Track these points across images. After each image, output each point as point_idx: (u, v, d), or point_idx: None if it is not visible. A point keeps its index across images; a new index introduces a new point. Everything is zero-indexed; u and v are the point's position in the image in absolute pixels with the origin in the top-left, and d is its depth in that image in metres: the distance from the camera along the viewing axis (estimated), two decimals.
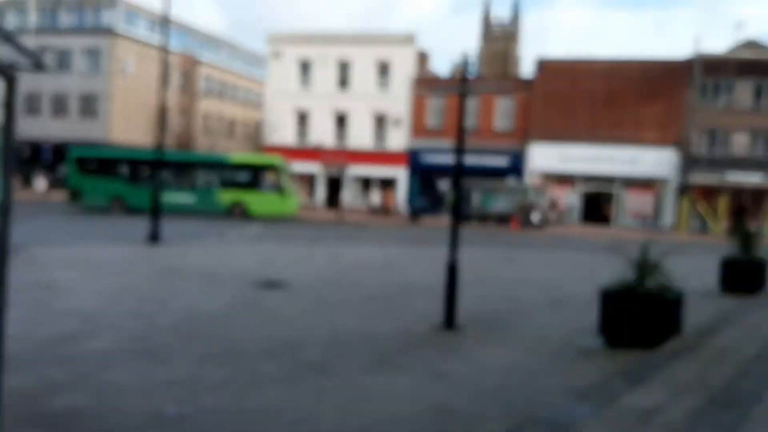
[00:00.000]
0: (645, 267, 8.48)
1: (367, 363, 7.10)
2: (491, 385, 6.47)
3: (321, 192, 44.64)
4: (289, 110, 44.91)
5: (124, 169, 34.57)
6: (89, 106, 48.91)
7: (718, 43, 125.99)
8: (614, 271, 8.61)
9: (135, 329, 8.29)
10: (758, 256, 13.55)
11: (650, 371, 6.48)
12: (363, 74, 44.04)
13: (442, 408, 5.71)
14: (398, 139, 43.52)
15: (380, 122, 44.20)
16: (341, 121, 44.69)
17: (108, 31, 48.59)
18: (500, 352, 7.84)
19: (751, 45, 41.62)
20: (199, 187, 33.83)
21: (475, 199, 37.53)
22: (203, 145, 53.80)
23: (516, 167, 41.50)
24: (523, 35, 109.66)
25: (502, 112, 42.37)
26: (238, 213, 32.75)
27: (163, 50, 20.30)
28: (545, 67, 41.68)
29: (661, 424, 4.95)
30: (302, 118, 45.22)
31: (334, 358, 7.24)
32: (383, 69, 44.02)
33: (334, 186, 43.82)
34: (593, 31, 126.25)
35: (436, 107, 43.01)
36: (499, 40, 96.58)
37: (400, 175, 43.35)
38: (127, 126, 48.55)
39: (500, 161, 41.34)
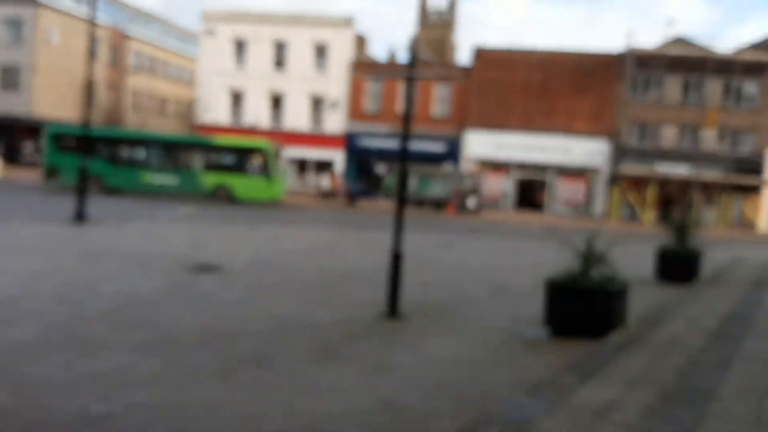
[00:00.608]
0: (590, 258, 8.42)
1: (309, 354, 6.74)
2: (439, 378, 6.22)
3: None
4: (223, 89, 43.70)
5: (103, 148, 32.99)
6: (11, 78, 46.32)
7: (650, 38, 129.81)
8: (552, 258, 8.53)
9: (59, 317, 7.66)
10: (692, 247, 13.82)
11: (600, 364, 6.36)
12: (300, 55, 43.22)
13: (391, 404, 5.42)
14: (335, 122, 42.98)
15: (317, 104, 43.53)
16: (277, 102, 43.80)
17: (31, 1, 46.04)
18: (446, 342, 7.60)
19: (680, 42, 42.81)
20: (183, 169, 32.72)
21: (412, 183, 37.42)
22: (133, 123, 51.88)
23: (452, 153, 41.63)
24: (459, 23, 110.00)
25: (440, 98, 42.39)
26: (223, 196, 31.76)
27: (90, 23, 19.29)
28: (482, 55, 41.84)
29: (618, 422, 4.79)
30: (237, 98, 44.09)
31: (275, 349, 6.84)
32: (321, 51, 43.31)
33: None
34: (528, 21, 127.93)
35: (373, 91, 42.66)
36: (436, 27, 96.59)
37: (337, 157, 42.87)
38: (53, 100, 46.25)
39: (437, 147, 41.37)
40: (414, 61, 9.21)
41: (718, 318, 9.23)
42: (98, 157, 32.74)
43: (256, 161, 32.40)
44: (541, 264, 8.43)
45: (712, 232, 33.73)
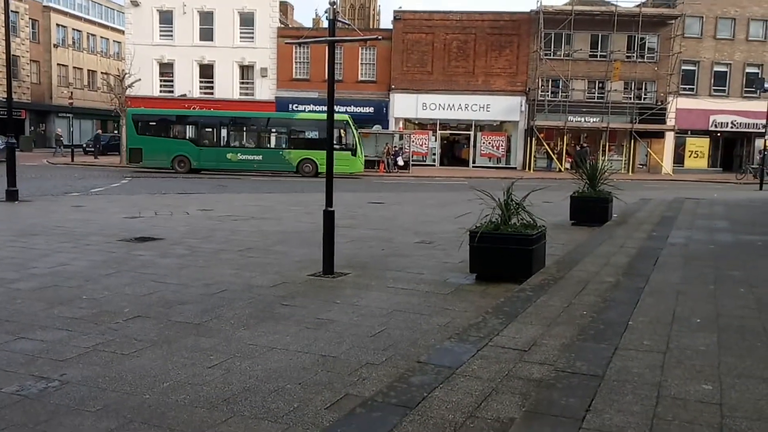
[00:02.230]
0: (509, 207, 8.52)
1: (246, 317, 6.58)
2: (373, 330, 6.18)
3: None
4: (151, 61, 41.99)
5: (187, 129, 32.60)
6: None
7: None
8: (476, 209, 8.59)
9: None
10: (602, 191, 14.21)
11: (522, 306, 6.44)
12: (226, 24, 41.86)
13: (327, 358, 5.35)
14: (265, 90, 42.00)
15: (246, 72, 42.39)
16: (206, 71, 42.42)
17: None
18: (379, 295, 7.57)
19: None
20: (267, 146, 32.18)
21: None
22: (61, 98, 49.37)
23: (381, 115, 41.44)
24: None
25: (365, 62, 41.93)
26: (308, 171, 31.13)
27: None
28: (402, 18, 41.48)
29: (540, 360, 4.85)
30: (165, 69, 42.48)
31: (212, 315, 6.65)
32: (247, 19, 42.02)
33: None
34: None
35: (302, 58, 41.79)
36: None
37: None
38: None
39: (366, 110, 41.07)
40: (334, 26, 8.94)
41: (628, 255, 9.52)
42: (182, 138, 32.39)
43: (337, 135, 31.58)
44: (467, 215, 8.45)
45: (621, 177, 34.87)
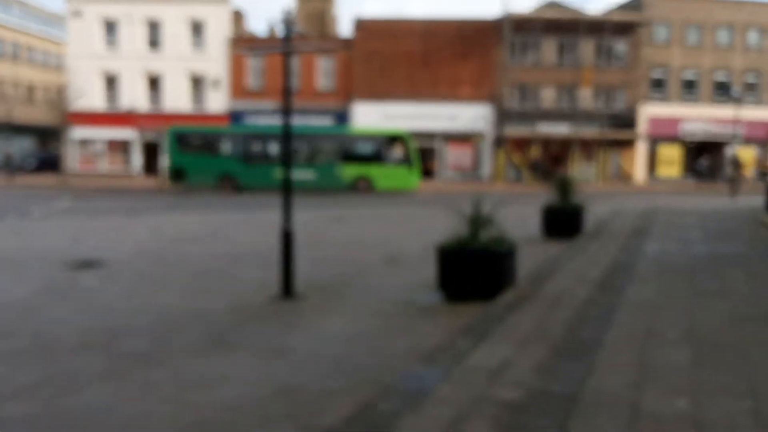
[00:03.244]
0: (478, 221, 8.56)
1: (199, 346, 6.48)
2: (336, 355, 6.14)
3: (137, 159, 41.91)
4: (95, 73, 41.38)
5: (234, 146, 31.88)
6: None
7: (525, 2, 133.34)
8: (443, 224, 8.62)
9: None
10: (574, 203, 14.41)
11: (492, 325, 6.48)
12: (175, 34, 41.51)
13: (286, 388, 5.28)
14: (218, 101, 41.71)
15: (198, 84, 42.07)
16: (154, 83, 41.98)
17: None
18: (342, 318, 7.53)
19: (553, 5, 44.28)
20: (320, 162, 31.43)
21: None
22: None
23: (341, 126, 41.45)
24: None
25: (324, 72, 41.99)
26: (363, 188, 30.55)
27: None
28: (363, 26, 41.70)
29: (512, 381, 4.88)
30: (110, 82, 41.91)
31: (162, 345, 6.53)
32: (197, 28, 41.78)
33: (152, 152, 41.30)
34: None
35: (256, 68, 41.68)
36: (315, 0, 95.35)
37: None
38: None
39: (325, 121, 41.03)
40: (290, 35, 8.95)
41: (602, 269, 9.66)
42: (228, 156, 31.78)
43: (395, 150, 31.49)
44: (433, 230, 8.50)
45: (592, 186, 35.46)
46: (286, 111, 8.80)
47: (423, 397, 4.59)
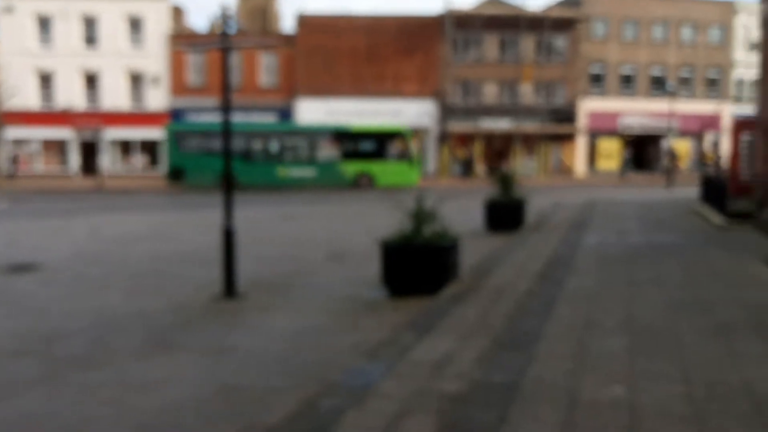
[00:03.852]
0: (421, 216, 8.62)
1: (139, 347, 6.35)
2: (280, 353, 6.10)
3: (74, 159, 40.74)
4: (28, 71, 40.01)
5: (235, 144, 30.30)
6: None
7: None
8: (387, 220, 8.65)
9: None
10: (516, 196, 14.65)
11: (436, 318, 6.54)
12: (112, 30, 40.46)
13: (229, 387, 5.23)
14: (158, 99, 40.86)
15: (136, 81, 41.12)
16: (91, 81, 40.85)
17: None
18: (286, 316, 7.49)
19: (494, 2, 44.82)
20: (321, 160, 31.20)
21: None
22: None
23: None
24: None
25: (267, 68, 41.59)
26: (364, 184, 30.29)
27: None
28: (305, 22, 41.46)
29: (455, 373, 4.94)
30: (45, 80, 40.59)
31: (102, 347, 6.38)
32: (135, 24, 40.81)
33: (90, 151, 40.24)
34: None
35: (196, 64, 40.99)
36: None
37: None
38: None
39: (268, 118, 40.65)
40: (228, 30, 8.83)
41: (542, 261, 9.86)
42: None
43: (395, 146, 31.49)
44: (377, 226, 8.51)
45: (534, 180, 36.10)
46: (226, 107, 8.69)
47: (366, 393, 4.61)
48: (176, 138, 31.68)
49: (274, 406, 4.79)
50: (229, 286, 8.44)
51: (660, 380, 4.70)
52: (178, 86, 40.77)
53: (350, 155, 31.85)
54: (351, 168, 31.51)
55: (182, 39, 41.05)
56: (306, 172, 31.40)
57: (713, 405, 4.24)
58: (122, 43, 40.67)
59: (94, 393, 5.17)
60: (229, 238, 8.49)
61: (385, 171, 31.32)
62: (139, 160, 39.86)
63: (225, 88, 8.71)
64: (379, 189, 29.44)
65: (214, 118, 38.11)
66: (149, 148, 41.34)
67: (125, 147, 41.39)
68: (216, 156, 31.33)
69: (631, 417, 4.05)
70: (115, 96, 40.51)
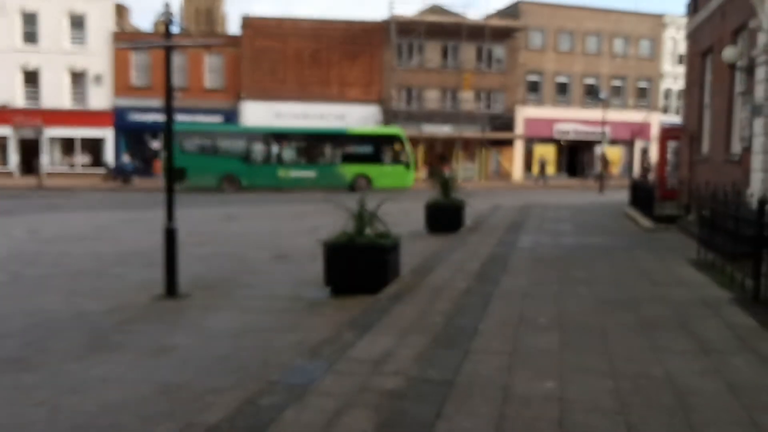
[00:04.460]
0: (363, 217, 8.64)
1: (76, 348, 6.15)
2: (221, 352, 6.01)
3: (14, 157, 39.27)
4: None
5: (237, 146, 31.13)
6: None
7: (410, 6, 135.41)
8: (331, 220, 8.64)
9: None
10: (456, 199, 14.82)
11: (376, 317, 6.55)
12: (54, 27, 39.18)
13: (168, 386, 5.12)
14: (101, 98, 39.76)
15: (78, 79, 39.91)
16: (31, 78, 39.44)
17: None
18: (228, 315, 7.39)
19: (436, 9, 45.23)
20: (320, 162, 31.37)
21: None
22: None
23: (230, 125, 40.60)
24: None
25: (212, 70, 40.96)
26: (362, 186, 29.75)
27: None
28: (250, 24, 41.03)
29: (393, 370, 4.95)
30: None
31: (37, 349, 6.15)
32: (77, 22, 39.61)
33: (30, 150, 38.85)
34: None
35: (141, 64, 40.04)
36: None
37: (107, 135, 39.85)
38: None
39: (214, 119, 40.05)
40: (171, 29, 8.65)
41: (480, 261, 9.99)
42: (231, 156, 31.05)
43: (392, 149, 31.79)
44: (321, 227, 8.48)
45: (474, 184, 36.59)
46: (168, 107, 8.52)
47: (307, 390, 4.58)
48: (177, 139, 31.14)
49: (214, 406, 4.71)
50: (171, 286, 8.27)
51: (588, 374, 4.81)
52: (122, 85, 39.76)
53: (349, 158, 32.28)
54: (349, 170, 31.88)
55: (126, 38, 40.03)
56: (305, 174, 31.65)
57: (637, 398, 4.36)
58: (64, 40, 39.43)
59: (28, 395, 4.99)
60: (170, 237, 8.32)
61: (382, 173, 31.68)
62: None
63: (167, 88, 8.54)
64: (376, 190, 29.57)
65: (158, 118, 37.34)
66: (91, 146, 40.26)
67: (67, 145, 40.16)
68: (219, 157, 31.91)
69: (561, 410, 4.13)
70: (56, 94, 39.24)
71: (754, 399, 4.35)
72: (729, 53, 12.95)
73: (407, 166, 32.10)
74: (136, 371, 5.50)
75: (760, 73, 11.47)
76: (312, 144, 32.76)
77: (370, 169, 31.67)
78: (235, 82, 40.69)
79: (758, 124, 11.40)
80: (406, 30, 40.93)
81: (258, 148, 32.36)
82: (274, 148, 32.33)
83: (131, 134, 40.04)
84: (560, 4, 45.13)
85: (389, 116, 41.21)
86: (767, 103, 11.13)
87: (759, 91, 11.46)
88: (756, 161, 11.42)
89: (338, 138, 33.15)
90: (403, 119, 40.98)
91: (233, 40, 41.09)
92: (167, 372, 5.47)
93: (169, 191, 8.51)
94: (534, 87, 44.73)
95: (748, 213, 7.71)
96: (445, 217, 14.48)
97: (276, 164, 31.73)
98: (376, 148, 32.65)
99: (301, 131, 34.03)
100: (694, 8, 17.90)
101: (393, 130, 34.30)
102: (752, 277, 7.26)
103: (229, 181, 30.91)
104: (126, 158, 37.52)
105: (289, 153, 32.51)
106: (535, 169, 43.16)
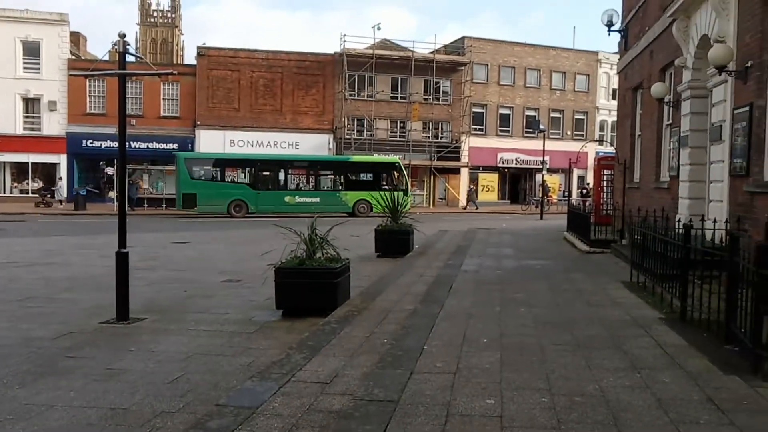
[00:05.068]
0: (313, 241, 8.61)
1: (23, 374, 5.91)
2: (171, 376, 5.85)
3: None
4: None
5: (243, 173, 31.63)
6: None
7: (362, 41, 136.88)
8: (285, 245, 8.57)
9: None
10: (404, 224, 14.91)
11: (325, 339, 6.50)
12: (6, 54, 38.20)
13: (116, 411, 4.95)
14: (54, 124, 38.79)
15: (32, 106, 38.89)
16: None
17: None
18: (180, 339, 7.21)
19: (386, 44, 45.80)
20: (323, 188, 32.31)
21: (147, 183, 36.33)
22: None
23: (186, 152, 40.11)
24: (185, 25, 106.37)
25: (168, 98, 40.50)
26: (363, 211, 31.04)
27: None
28: (206, 54, 40.83)
29: (341, 391, 4.91)
30: None
31: None
32: (31, 49, 38.71)
33: None
34: (256, 27, 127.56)
35: (96, 91, 39.30)
36: (159, 27, 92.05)
37: (61, 161, 38.85)
38: None
39: (169, 146, 39.53)
40: (123, 58, 8.53)
41: (427, 284, 10.04)
42: (238, 182, 31.52)
43: (390, 176, 33.00)
44: (275, 251, 8.38)
45: (422, 210, 36.85)
46: (121, 133, 8.37)
47: (255, 412, 4.49)
48: (187, 166, 31.25)
49: (163, 429, 4.58)
50: (123, 311, 8.04)
51: (527, 392, 4.86)
52: (77, 112, 38.93)
53: (350, 184, 33.31)
54: (350, 196, 32.79)
55: (81, 65, 39.24)
56: (310, 200, 32.01)
57: (573, 414, 4.42)
58: (17, 66, 38.46)
59: None
60: (122, 262, 8.11)
61: (380, 199, 31.72)
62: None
63: (121, 114, 8.39)
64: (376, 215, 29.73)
65: (113, 145, 36.66)
66: (44, 171, 39.18)
67: (19, 170, 38.99)
68: (228, 184, 32.14)
69: (501, 427, 4.16)
70: (8, 120, 38.15)
71: (681, 413, 4.46)
72: (657, 89, 13.46)
73: (405, 192, 32.47)
74: (83, 396, 5.31)
75: (685, 107, 11.96)
76: (316, 171, 33.64)
77: (370, 195, 31.99)
78: (191, 111, 40.30)
79: (684, 154, 11.85)
80: (357, 63, 41.29)
81: (265, 175, 32.81)
82: (281, 175, 32.96)
83: (84, 160, 39.18)
84: (503, 41, 46.36)
85: (341, 145, 41.32)
86: (692, 135, 11.59)
87: (685, 124, 11.93)
88: (683, 188, 11.85)
89: (341, 166, 34.26)
90: (354, 148, 41.16)
91: (189, 70, 40.75)
92: (115, 396, 5.30)
93: (121, 215, 8.32)
94: (479, 118, 45.58)
95: (675, 237, 7.96)
96: (394, 241, 14.54)
97: (281, 191, 32.36)
98: (375, 175, 33.76)
99: (306, 159, 35.03)
100: (625, 47, 18.60)
101: (391, 159, 35.61)
102: (680, 298, 7.49)
103: (237, 206, 31.17)
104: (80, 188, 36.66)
105: (294, 179, 33.13)
106: (461, 199, 43.92)
